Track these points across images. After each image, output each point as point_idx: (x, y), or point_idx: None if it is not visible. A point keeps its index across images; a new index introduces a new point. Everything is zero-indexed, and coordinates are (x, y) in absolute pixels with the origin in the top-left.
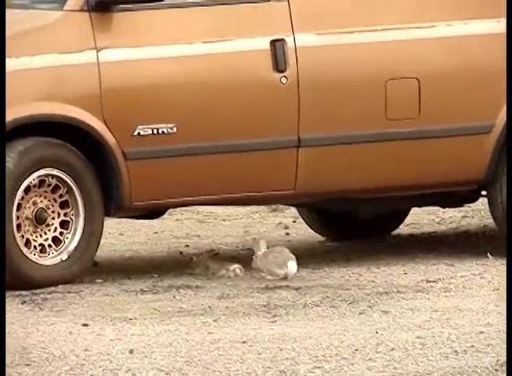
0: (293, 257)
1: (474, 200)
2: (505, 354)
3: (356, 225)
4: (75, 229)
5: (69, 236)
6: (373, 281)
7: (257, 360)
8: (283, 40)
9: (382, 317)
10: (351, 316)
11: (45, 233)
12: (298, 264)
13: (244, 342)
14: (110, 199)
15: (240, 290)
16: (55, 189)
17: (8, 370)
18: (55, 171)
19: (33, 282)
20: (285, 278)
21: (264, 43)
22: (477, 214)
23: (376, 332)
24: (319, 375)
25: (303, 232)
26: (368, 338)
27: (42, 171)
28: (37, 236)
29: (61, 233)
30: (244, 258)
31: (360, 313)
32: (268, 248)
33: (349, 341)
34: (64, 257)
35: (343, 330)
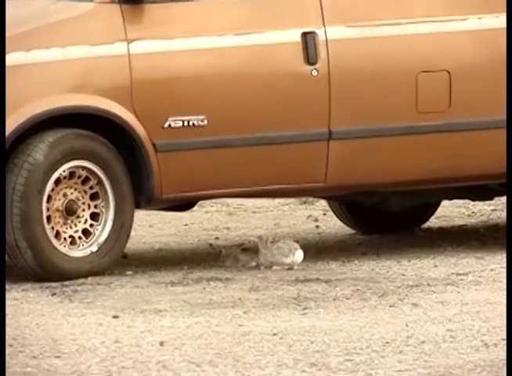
0: (298, 246)
1: (504, 193)
2: None
3: (386, 219)
4: (105, 221)
5: (99, 228)
6: (403, 274)
7: (287, 353)
8: (314, 32)
9: (412, 310)
10: (381, 309)
11: (75, 225)
12: (329, 257)
13: (275, 334)
14: (140, 191)
15: (270, 282)
16: (85, 180)
17: (38, 362)
18: (85, 163)
19: (63, 274)
20: (291, 268)
21: (295, 35)
22: None
23: (407, 325)
24: (350, 368)
25: (333, 224)
26: (398, 330)
27: (72, 163)
28: (67, 228)
29: (91, 225)
30: None
31: (390, 306)
32: (273, 238)
33: (380, 333)
34: (94, 249)
35: (373, 323)
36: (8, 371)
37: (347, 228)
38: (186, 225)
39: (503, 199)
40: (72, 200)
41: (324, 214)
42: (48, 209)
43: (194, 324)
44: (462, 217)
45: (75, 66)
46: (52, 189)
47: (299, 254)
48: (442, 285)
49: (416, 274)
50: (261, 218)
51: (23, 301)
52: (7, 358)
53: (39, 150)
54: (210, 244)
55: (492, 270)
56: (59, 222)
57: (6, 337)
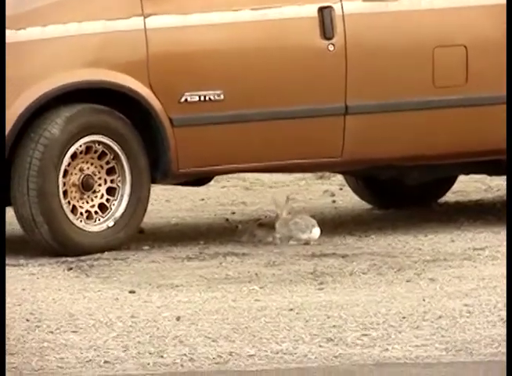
0: (316, 223)
1: None
2: None
3: (403, 193)
4: (121, 196)
5: (115, 202)
6: (420, 249)
7: (304, 328)
8: (330, 7)
9: (429, 285)
10: (398, 283)
11: (92, 200)
12: (346, 232)
13: (291, 310)
14: (157, 166)
15: (287, 257)
16: (101, 155)
17: (55, 337)
18: (101, 138)
19: (79, 248)
20: (307, 243)
21: (312, 10)
22: None
23: (424, 300)
24: (367, 343)
25: (349, 199)
26: (415, 305)
27: (89, 138)
28: (83, 203)
29: (107, 200)
30: None
31: (407, 281)
32: (289, 212)
33: (396, 308)
34: (110, 223)
35: (390, 298)
36: (25, 346)
37: (364, 203)
38: (203, 199)
39: None
40: (88, 174)
41: (340, 189)
42: (64, 184)
43: (210, 299)
44: (478, 192)
45: (92, 41)
46: (69, 164)
47: (316, 232)
48: (459, 260)
49: (433, 249)
50: (278, 193)
51: (40, 275)
52: (24, 333)
53: (55, 125)
54: (227, 219)
55: None
56: (75, 197)
57: (23, 312)
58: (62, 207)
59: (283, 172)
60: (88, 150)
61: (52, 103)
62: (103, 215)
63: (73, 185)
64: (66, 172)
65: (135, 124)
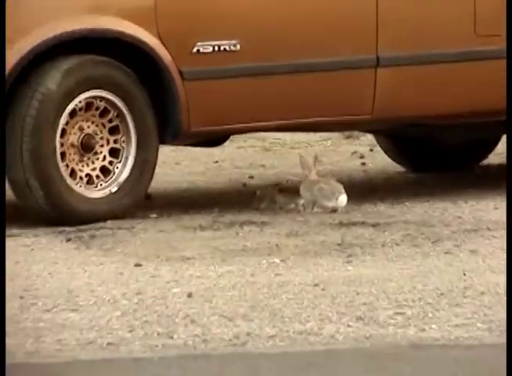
0: (343, 189)
1: None
2: None
3: (440, 155)
4: (126, 158)
5: (119, 165)
6: (460, 217)
7: (330, 305)
8: None
9: (470, 257)
10: (435, 256)
11: (93, 163)
12: (377, 198)
13: (316, 285)
14: (166, 124)
15: (311, 226)
16: (103, 113)
17: (52, 316)
18: (104, 93)
19: (79, 217)
20: (334, 210)
21: None
22: None
23: (464, 274)
24: (400, 322)
25: (380, 161)
26: (454, 280)
27: (89, 93)
28: (83, 166)
29: (110, 163)
30: None
31: (446, 253)
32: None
33: (434, 284)
34: (114, 189)
35: (427, 272)
36: (19, 326)
37: (397, 165)
38: (217, 162)
39: None
40: (89, 134)
41: (371, 150)
42: (62, 145)
43: (226, 274)
44: None
45: None
46: (67, 123)
47: (342, 199)
48: (503, 229)
49: (474, 217)
50: (303, 154)
51: (35, 247)
52: (17, 311)
53: (52, 79)
54: (244, 184)
55: None
56: (74, 159)
57: (17, 288)
58: (59, 170)
59: (307, 131)
60: (88, 106)
61: (48, 55)
62: (106, 180)
63: (72, 146)
64: (63, 132)
65: (142, 78)
